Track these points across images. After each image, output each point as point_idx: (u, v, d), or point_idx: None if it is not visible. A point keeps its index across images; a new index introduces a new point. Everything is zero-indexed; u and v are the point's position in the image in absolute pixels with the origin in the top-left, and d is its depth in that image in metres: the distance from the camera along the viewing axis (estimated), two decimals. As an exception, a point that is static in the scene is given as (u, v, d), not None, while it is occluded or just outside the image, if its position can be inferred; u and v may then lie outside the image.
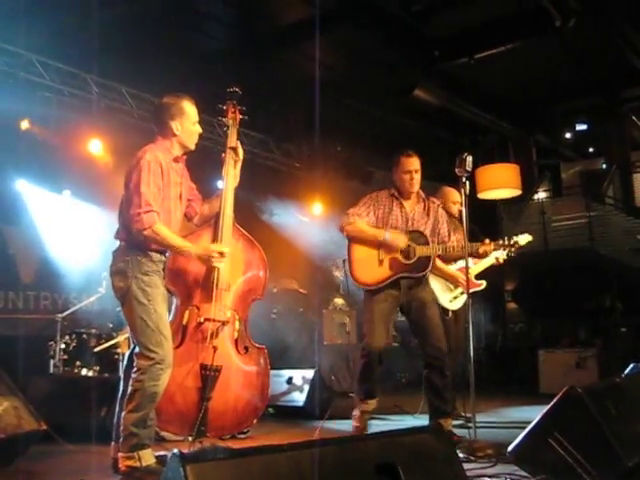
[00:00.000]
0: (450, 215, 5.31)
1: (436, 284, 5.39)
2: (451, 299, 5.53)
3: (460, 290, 5.47)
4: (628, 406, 3.44)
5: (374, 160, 10.94)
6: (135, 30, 7.68)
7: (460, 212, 5.33)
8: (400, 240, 4.53)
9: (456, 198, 5.56)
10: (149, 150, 3.56)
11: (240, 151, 4.03)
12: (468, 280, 4.42)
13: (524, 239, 4.99)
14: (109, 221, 3.63)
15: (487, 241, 4.77)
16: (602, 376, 8.30)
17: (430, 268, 4.59)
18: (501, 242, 4.82)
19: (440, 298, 5.43)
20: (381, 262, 4.57)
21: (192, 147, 3.77)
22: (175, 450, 1.41)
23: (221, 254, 3.67)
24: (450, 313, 5.53)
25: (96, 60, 7.48)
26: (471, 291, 5.25)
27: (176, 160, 3.70)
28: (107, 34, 6.74)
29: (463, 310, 5.48)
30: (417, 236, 4.59)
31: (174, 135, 3.67)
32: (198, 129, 3.77)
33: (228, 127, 4.17)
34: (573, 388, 3.11)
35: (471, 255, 5.09)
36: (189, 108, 3.69)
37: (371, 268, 4.59)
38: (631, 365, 5.25)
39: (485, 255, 4.94)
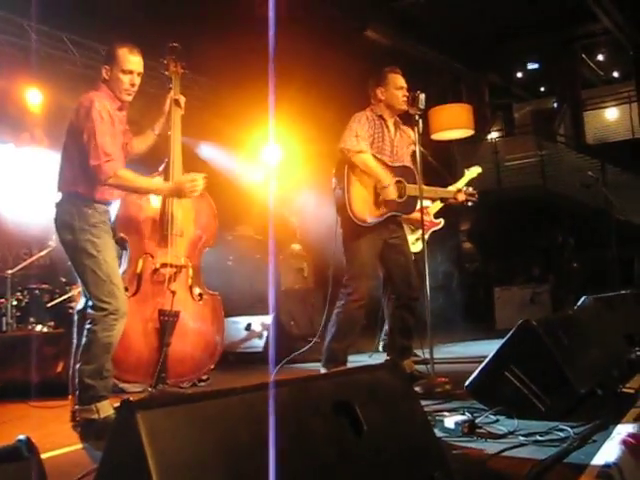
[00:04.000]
0: None
1: None
2: (413, 241, 5.31)
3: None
4: (579, 336, 3.53)
5: (327, 103, 10.79)
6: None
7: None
8: (392, 193, 4.26)
9: None
10: (96, 99, 3.37)
11: (182, 102, 3.99)
12: (423, 221, 4.33)
13: (474, 171, 5.12)
14: (56, 172, 3.46)
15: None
16: (555, 310, 8.55)
17: (416, 208, 4.49)
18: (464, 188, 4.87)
19: None
20: (377, 197, 4.29)
21: (122, 97, 3.47)
22: (125, 397, 1.37)
23: (193, 182, 3.46)
24: (412, 256, 5.28)
25: (34, 5, 7.10)
26: (432, 230, 5.34)
27: (120, 108, 3.53)
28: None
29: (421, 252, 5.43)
30: (406, 172, 4.38)
31: (106, 81, 3.47)
32: (125, 78, 3.42)
33: (171, 80, 4.09)
34: (527, 321, 3.17)
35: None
36: (120, 54, 3.42)
37: (369, 203, 4.28)
38: (582, 298, 5.39)
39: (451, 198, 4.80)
